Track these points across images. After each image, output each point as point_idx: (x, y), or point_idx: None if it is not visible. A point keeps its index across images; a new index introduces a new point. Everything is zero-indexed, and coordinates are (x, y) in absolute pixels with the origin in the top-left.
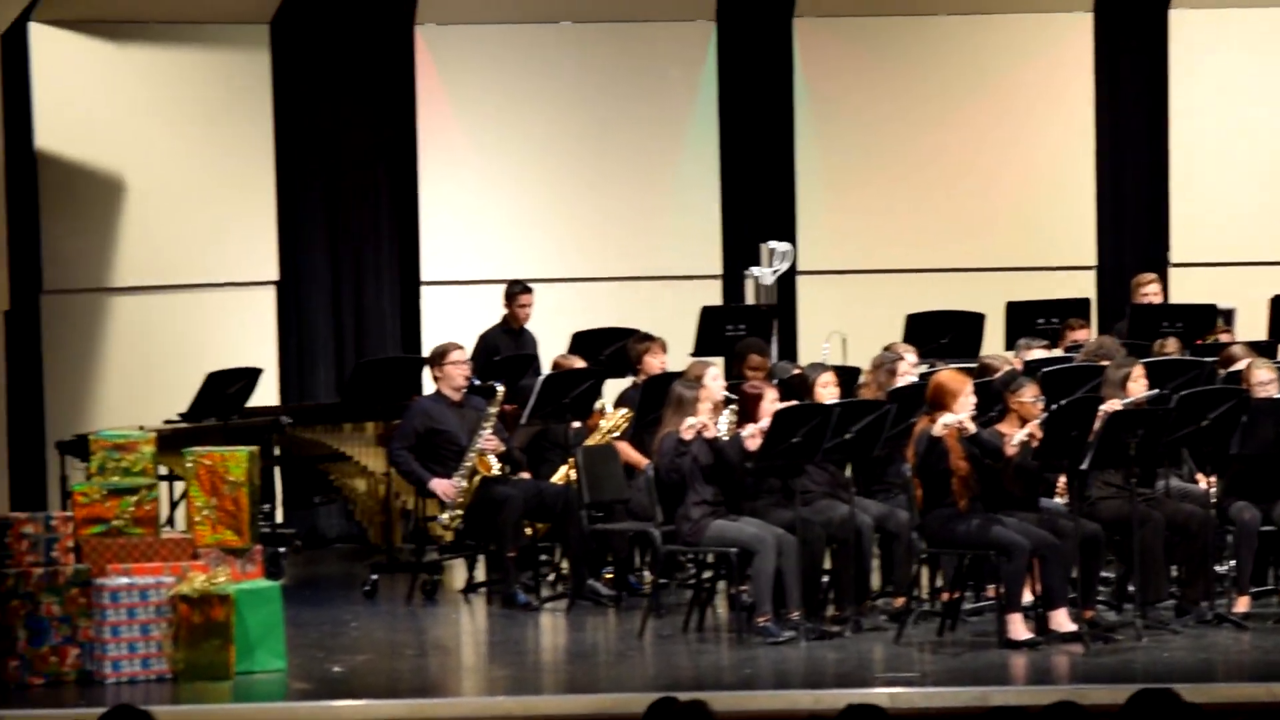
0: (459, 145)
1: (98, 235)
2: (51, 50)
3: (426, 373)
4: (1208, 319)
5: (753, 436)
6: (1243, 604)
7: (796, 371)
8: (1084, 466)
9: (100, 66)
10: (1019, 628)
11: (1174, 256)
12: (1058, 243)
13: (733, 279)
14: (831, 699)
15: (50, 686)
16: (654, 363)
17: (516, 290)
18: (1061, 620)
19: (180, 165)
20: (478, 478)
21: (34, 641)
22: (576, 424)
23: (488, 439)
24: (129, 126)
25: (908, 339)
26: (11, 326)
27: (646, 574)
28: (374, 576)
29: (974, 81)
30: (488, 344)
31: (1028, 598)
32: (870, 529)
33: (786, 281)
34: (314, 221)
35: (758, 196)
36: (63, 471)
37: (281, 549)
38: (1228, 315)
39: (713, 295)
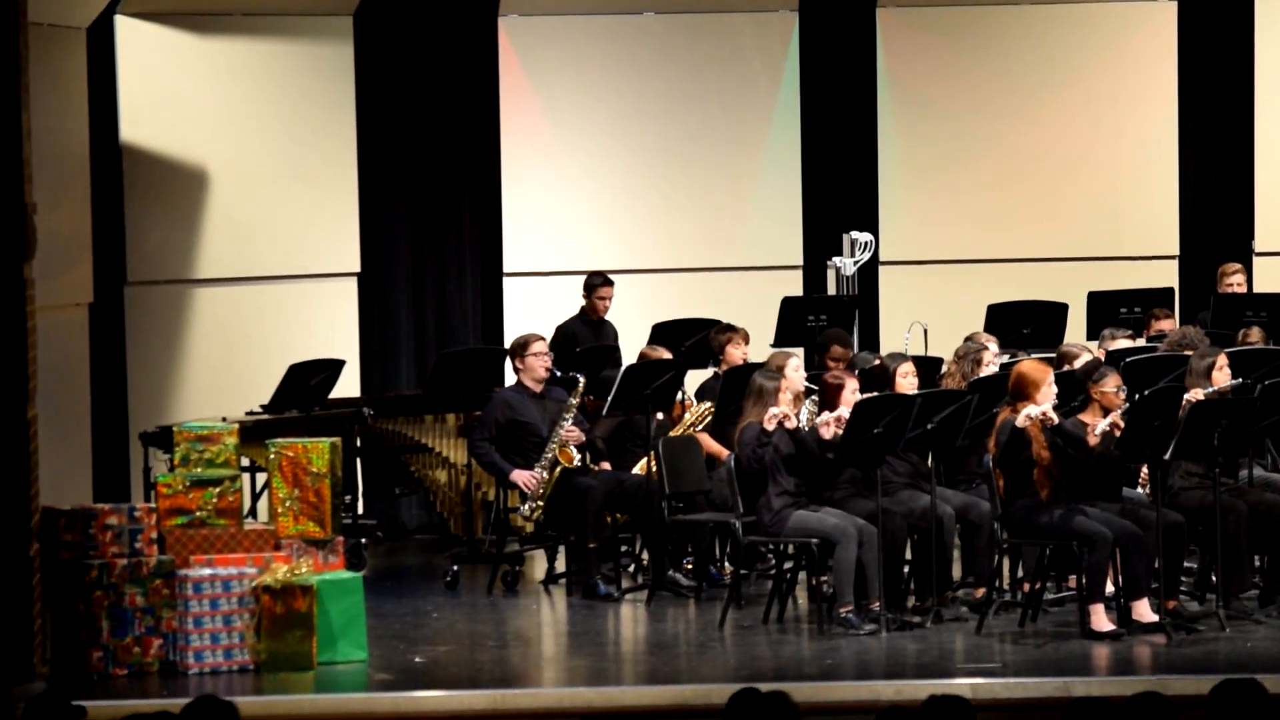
0: (542, 136)
1: (181, 227)
2: (137, 43)
3: (508, 364)
4: None
5: (827, 425)
6: None
7: (877, 362)
8: (1167, 456)
9: (185, 59)
10: (1101, 618)
11: (1259, 245)
12: (1141, 232)
13: (814, 269)
14: (913, 690)
15: (133, 677)
16: (736, 353)
17: (597, 282)
18: (1144, 611)
19: (263, 157)
20: (559, 469)
21: (117, 632)
22: (660, 415)
23: (569, 430)
24: (213, 119)
25: (989, 329)
26: (96, 318)
27: (727, 565)
28: (455, 567)
29: (1057, 70)
30: (567, 335)
31: (1110, 588)
32: (952, 519)
33: (868, 272)
34: (396, 213)
35: (840, 187)
36: (146, 463)
37: (363, 540)
38: None
39: (794, 286)
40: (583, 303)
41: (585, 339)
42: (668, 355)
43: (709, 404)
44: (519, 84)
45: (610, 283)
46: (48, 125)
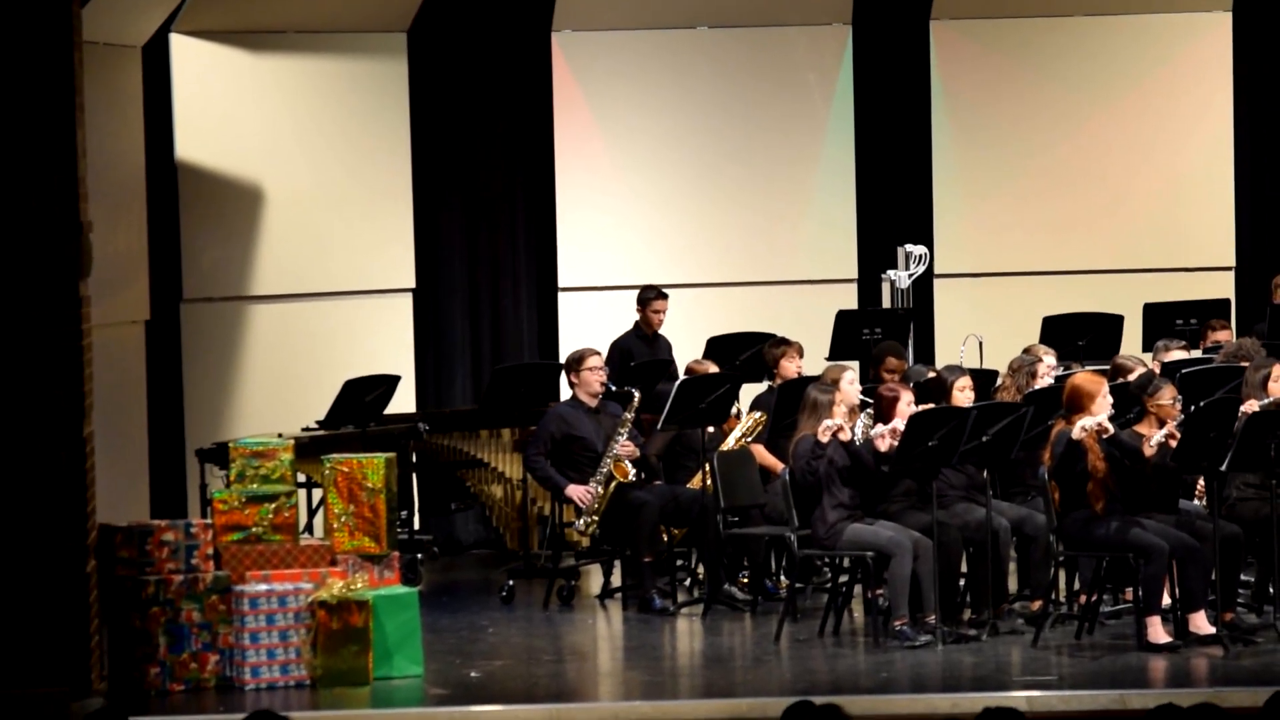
0: (596, 151)
1: (237, 244)
2: (192, 61)
3: (563, 379)
4: None
5: (882, 437)
6: None
7: (932, 375)
8: (1223, 468)
9: (240, 76)
10: (1158, 631)
11: None
12: (1196, 243)
13: (869, 282)
14: (969, 703)
15: (190, 693)
16: (790, 367)
17: (651, 295)
18: (1201, 623)
19: (318, 174)
20: (614, 483)
21: (174, 648)
22: (711, 428)
23: (624, 444)
24: (268, 136)
25: (1044, 341)
26: (152, 335)
27: (782, 578)
28: (510, 582)
29: (1111, 82)
30: (622, 350)
31: (1166, 601)
32: (1008, 532)
33: (923, 284)
34: (451, 228)
35: (894, 200)
36: (202, 479)
37: (419, 555)
38: None
39: (849, 299)
40: (637, 317)
41: (640, 354)
42: (715, 369)
43: (759, 414)
44: (573, 99)
45: (664, 296)
46: (103, 144)
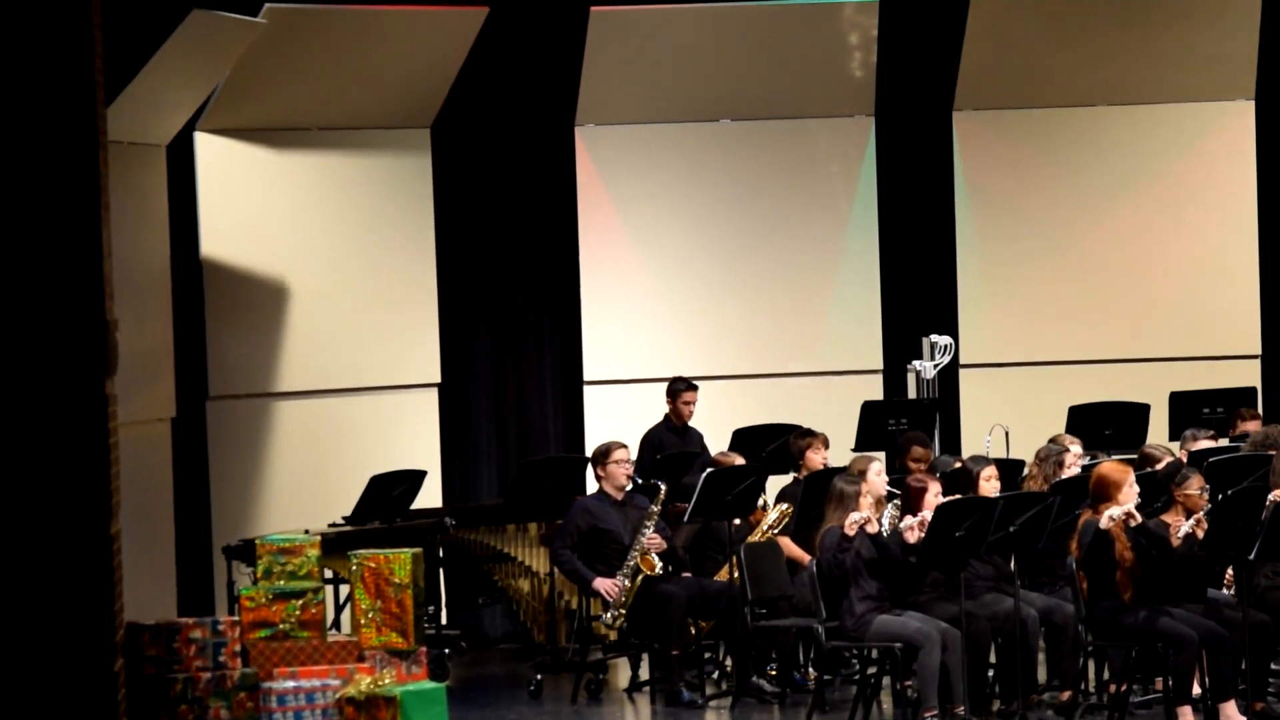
0: (620, 244)
1: (262, 341)
2: (216, 158)
3: (589, 472)
4: None
5: (911, 529)
6: None
7: (958, 465)
8: (1251, 557)
9: (264, 173)
10: None
11: None
12: (1223, 332)
13: (894, 373)
14: None
15: None
16: (816, 458)
17: (680, 387)
18: (1231, 713)
19: (343, 269)
20: (641, 576)
21: None
22: (737, 521)
23: (650, 537)
24: (292, 232)
25: (1070, 431)
26: (178, 433)
27: (811, 670)
28: (539, 676)
29: (1135, 171)
30: (653, 442)
31: (1196, 690)
32: (1036, 622)
33: (948, 375)
34: (476, 323)
35: (918, 290)
36: (229, 576)
37: (446, 650)
38: None
39: (874, 390)
40: (667, 409)
41: (671, 445)
42: (740, 460)
43: (785, 505)
44: (596, 192)
45: (694, 387)
46: (129, 242)
